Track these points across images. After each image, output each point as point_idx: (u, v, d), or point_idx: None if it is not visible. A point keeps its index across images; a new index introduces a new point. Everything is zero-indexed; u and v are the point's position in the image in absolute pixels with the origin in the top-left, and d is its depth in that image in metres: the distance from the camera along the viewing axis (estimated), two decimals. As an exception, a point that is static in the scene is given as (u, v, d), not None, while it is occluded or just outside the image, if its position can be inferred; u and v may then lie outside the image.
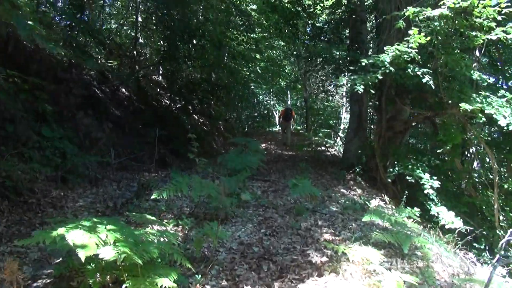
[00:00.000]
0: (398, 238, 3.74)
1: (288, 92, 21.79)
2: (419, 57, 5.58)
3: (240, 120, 18.76)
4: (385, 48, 5.63)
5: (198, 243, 3.46)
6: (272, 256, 3.68)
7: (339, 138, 15.65)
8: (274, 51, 17.25)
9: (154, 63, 11.41)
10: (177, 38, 9.59)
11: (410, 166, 6.45)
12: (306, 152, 12.93)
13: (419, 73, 5.64)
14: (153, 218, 3.44)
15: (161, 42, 9.89)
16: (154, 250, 2.37)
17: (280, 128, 18.94)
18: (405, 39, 5.58)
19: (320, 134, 19.60)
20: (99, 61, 11.23)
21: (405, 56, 5.55)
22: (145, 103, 11.34)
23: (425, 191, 6.16)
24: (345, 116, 20.20)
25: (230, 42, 12.03)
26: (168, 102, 12.84)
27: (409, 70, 5.74)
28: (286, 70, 18.50)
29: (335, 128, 20.28)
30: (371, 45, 8.28)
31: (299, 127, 21.83)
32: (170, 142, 10.45)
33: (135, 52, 11.83)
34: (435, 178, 6.29)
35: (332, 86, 11.13)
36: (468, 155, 8.09)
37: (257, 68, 15.52)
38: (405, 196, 6.02)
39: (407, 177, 6.46)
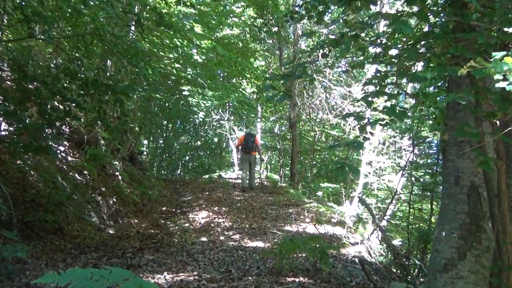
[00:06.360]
0: None
1: (259, 108, 13.50)
2: None
3: (171, 156, 10.95)
4: None
5: None
6: None
7: (369, 214, 6.40)
8: (237, 28, 9.20)
9: None
10: None
11: None
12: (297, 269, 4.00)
13: None
14: None
15: None
16: None
17: (238, 167, 11.50)
18: None
19: (321, 193, 10.28)
20: None
21: None
22: None
23: None
24: (373, 159, 9.11)
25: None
26: None
27: None
28: (256, 64, 10.49)
29: (348, 183, 10.35)
30: None
31: (275, 176, 12.22)
32: None
33: None
34: None
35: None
36: None
37: (196, 52, 7.43)
38: None
39: None
